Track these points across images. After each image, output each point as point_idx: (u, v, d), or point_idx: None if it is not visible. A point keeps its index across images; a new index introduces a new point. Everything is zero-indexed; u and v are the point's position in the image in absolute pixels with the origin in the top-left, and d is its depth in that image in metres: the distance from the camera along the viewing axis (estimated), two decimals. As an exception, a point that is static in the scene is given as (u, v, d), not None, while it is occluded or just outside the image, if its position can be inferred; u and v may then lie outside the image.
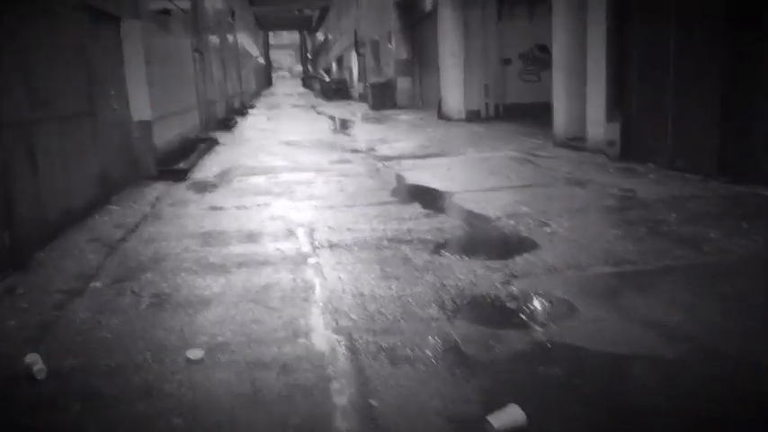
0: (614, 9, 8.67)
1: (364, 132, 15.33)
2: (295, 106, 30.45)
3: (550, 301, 3.81)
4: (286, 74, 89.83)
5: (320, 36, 53.58)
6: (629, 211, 5.94)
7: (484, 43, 15.80)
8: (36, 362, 3.06)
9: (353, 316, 3.65)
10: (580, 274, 4.27)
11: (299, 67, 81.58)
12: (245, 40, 33.13)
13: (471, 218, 5.93)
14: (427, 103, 19.91)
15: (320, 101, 33.83)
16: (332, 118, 21.15)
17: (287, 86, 67.14)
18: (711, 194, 6.40)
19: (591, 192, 6.86)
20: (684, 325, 3.39)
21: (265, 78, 62.33)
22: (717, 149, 7.01)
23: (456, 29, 15.79)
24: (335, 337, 3.38)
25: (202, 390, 2.90)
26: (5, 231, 4.67)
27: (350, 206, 6.74)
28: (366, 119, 19.61)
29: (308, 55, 72.15)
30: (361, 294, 3.99)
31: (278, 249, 5.12)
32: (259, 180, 8.66)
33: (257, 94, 42.49)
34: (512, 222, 5.63)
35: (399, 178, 8.36)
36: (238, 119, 20.01)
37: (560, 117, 10.45)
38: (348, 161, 10.27)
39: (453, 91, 16.17)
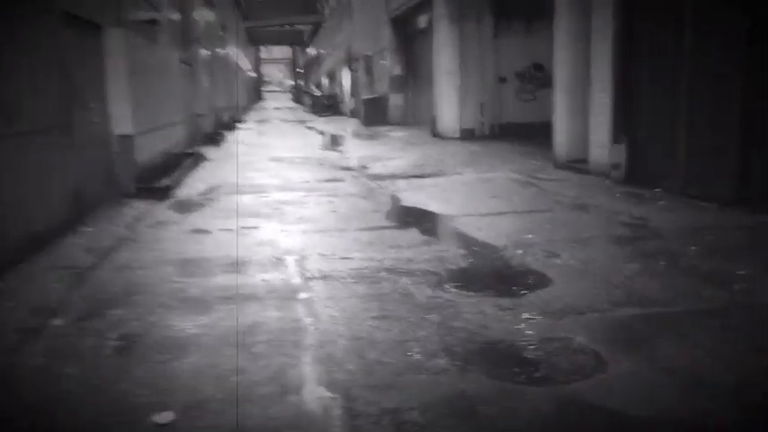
0: (621, 16, 8.22)
1: (356, 149, 14.88)
2: (285, 121, 30.03)
3: (573, 350, 3.37)
4: (277, 88, 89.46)
5: (312, 51, 53.36)
6: (643, 241, 5.52)
7: (480, 61, 15.50)
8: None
9: (350, 366, 3.18)
10: (602, 316, 3.83)
11: (290, 82, 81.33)
12: (236, 54, 32.70)
13: (474, 246, 5.49)
14: (420, 119, 19.53)
15: (311, 116, 33.44)
16: (322, 133, 20.74)
17: (277, 101, 66.70)
18: (732, 224, 5.97)
19: (599, 219, 6.44)
20: (729, 380, 2.96)
21: (256, 92, 61.97)
22: (737, 175, 6.54)
23: (452, 45, 15.46)
24: (330, 394, 2.91)
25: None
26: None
27: (342, 230, 6.29)
28: (358, 135, 19.18)
29: (300, 70, 71.91)
30: (358, 338, 3.53)
31: (264, 281, 4.65)
32: (246, 199, 8.18)
33: (247, 108, 42.03)
34: (519, 252, 5.20)
35: (394, 199, 7.92)
36: (227, 133, 19.51)
37: (562, 138, 10.03)
38: (340, 179, 9.83)
39: (448, 108, 15.80)
